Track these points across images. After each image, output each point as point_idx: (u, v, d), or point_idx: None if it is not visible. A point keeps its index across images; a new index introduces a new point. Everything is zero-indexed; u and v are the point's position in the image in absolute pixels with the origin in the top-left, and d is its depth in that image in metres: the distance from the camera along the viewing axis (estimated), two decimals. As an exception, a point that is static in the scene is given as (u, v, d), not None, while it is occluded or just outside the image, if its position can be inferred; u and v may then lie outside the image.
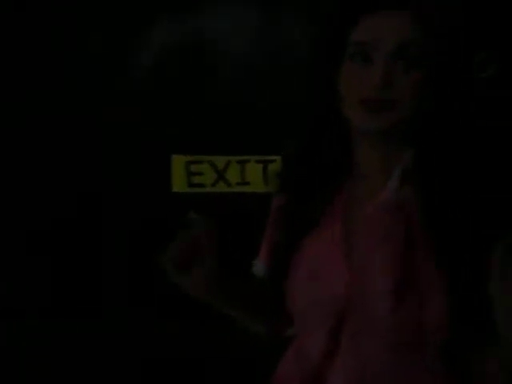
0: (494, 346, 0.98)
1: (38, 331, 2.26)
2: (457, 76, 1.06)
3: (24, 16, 2.20)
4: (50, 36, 2.21)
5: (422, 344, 1.03)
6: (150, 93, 2.26)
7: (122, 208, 2.29)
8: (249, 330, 1.29)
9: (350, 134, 1.10)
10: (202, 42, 2.23)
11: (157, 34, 2.22)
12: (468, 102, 1.08)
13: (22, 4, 2.19)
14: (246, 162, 2.24)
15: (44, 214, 2.27)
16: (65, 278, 2.29)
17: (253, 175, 2.24)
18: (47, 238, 2.28)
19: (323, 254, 1.10)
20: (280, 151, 1.78)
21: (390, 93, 1.00)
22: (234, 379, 2.21)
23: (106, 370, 2.27)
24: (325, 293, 1.07)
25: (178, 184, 2.27)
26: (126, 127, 2.26)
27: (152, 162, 2.27)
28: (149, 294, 2.26)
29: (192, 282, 1.10)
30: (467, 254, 0.98)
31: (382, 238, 1.04)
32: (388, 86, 1.00)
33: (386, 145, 1.08)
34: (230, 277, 1.14)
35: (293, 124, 1.18)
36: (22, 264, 2.31)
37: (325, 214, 1.11)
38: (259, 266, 1.28)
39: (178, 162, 2.26)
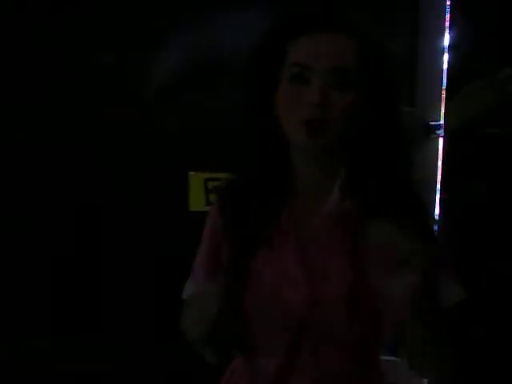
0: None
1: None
2: (388, 99, 1.08)
3: (34, 41, 2.32)
4: (59, 50, 2.29)
5: (374, 345, 1.15)
6: (167, 109, 2.23)
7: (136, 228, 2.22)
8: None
9: (289, 151, 1.13)
10: (220, 58, 2.19)
11: (171, 50, 2.22)
12: (397, 121, 1.10)
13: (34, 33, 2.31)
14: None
15: (56, 237, 2.27)
16: (77, 298, 2.24)
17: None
18: (62, 261, 2.26)
19: (280, 271, 1.11)
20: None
21: (328, 112, 1.03)
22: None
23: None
24: (284, 308, 1.09)
25: (196, 202, 2.16)
26: (141, 145, 2.23)
27: (169, 179, 2.20)
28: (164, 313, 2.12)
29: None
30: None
31: (332, 249, 1.09)
32: (325, 105, 1.03)
33: (324, 161, 1.12)
34: None
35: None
36: (27, 286, 2.30)
37: (274, 232, 1.13)
38: (193, 289, 1.24)
39: (196, 179, 2.16)
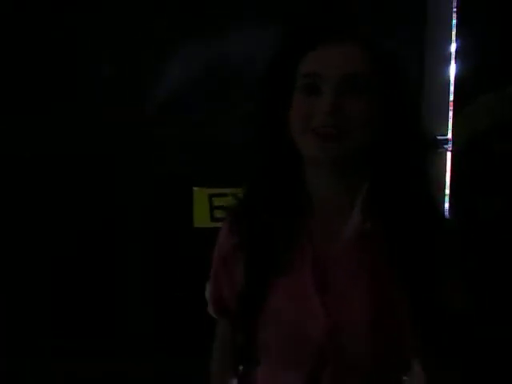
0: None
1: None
2: (404, 106, 1.05)
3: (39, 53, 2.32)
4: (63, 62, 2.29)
5: (396, 371, 1.09)
6: (171, 123, 2.21)
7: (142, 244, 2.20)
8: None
9: (304, 167, 1.08)
10: (227, 72, 2.18)
11: (177, 63, 2.21)
12: (417, 130, 1.07)
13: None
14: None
15: (63, 252, 2.25)
16: (83, 315, 2.21)
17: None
18: (67, 275, 2.24)
19: (298, 298, 1.06)
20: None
21: (340, 120, 0.99)
22: None
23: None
24: (303, 337, 1.04)
25: (200, 219, 2.14)
26: (146, 160, 2.21)
27: (173, 195, 2.18)
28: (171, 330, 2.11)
29: None
30: (431, 279, 1.02)
31: (353, 274, 1.04)
32: (338, 113, 0.99)
33: (340, 175, 1.06)
34: None
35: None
36: (34, 301, 2.28)
37: (292, 252, 1.07)
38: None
39: (200, 194, 2.14)
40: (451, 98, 1.95)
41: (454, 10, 1.94)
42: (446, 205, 1.91)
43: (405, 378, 1.12)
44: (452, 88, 1.93)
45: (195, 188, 2.15)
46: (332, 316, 1.03)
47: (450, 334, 1.06)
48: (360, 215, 1.05)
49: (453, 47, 1.95)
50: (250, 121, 1.13)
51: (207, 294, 1.24)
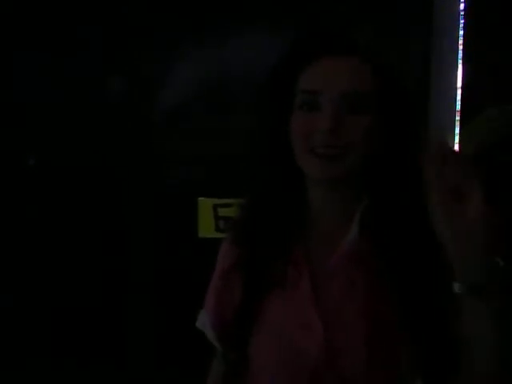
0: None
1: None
2: (405, 124, 1.03)
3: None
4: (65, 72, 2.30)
5: None
6: (177, 136, 2.21)
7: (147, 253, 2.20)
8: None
9: (304, 183, 1.07)
10: (232, 83, 2.18)
11: (183, 75, 2.21)
12: (417, 149, 1.00)
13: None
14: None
15: (70, 262, 2.25)
16: (88, 325, 2.21)
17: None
18: (72, 284, 2.23)
19: (294, 313, 1.04)
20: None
21: (340, 138, 0.97)
22: None
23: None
24: (299, 352, 1.02)
25: (205, 229, 2.13)
26: (151, 170, 2.21)
27: (179, 205, 2.17)
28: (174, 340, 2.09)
29: None
30: (425, 298, 0.98)
31: (347, 290, 1.02)
32: (337, 131, 0.97)
33: (340, 193, 1.05)
34: None
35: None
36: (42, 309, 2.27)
37: (289, 267, 1.06)
38: (204, 320, 1.18)
39: (205, 205, 2.14)
40: (458, 108, 1.93)
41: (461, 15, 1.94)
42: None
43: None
44: (459, 99, 1.91)
45: (200, 198, 2.15)
46: (328, 330, 1.01)
47: (449, 352, 1.00)
48: (357, 231, 1.03)
49: (460, 57, 1.93)
50: (251, 135, 1.11)
51: (201, 323, 1.19)
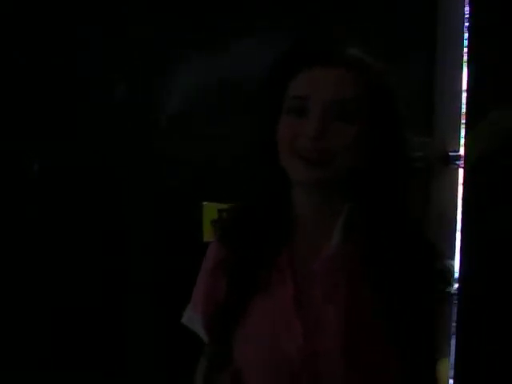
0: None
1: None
2: (391, 133, 1.05)
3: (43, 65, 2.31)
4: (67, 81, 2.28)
5: None
6: (180, 138, 2.20)
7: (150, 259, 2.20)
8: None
9: (290, 186, 1.10)
10: (235, 86, 2.15)
11: (185, 78, 2.19)
12: (403, 156, 1.07)
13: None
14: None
15: (72, 267, 2.26)
16: (89, 323, 2.21)
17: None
18: (74, 289, 2.24)
19: (276, 315, 1.07)
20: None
21: (325, 145, 1.00)
22: None
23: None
24: (279, 354, 1.04)
25: (210, 233, 2.12)
26: (155, 174, 2.20)
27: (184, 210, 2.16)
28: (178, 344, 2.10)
29: None
30: (409, 304, 1.01)
31: (330, 295, 1.04)
32: (323, 138, 1.00)
33: (325, 197, 1.08)
34: None
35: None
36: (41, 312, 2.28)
37: (273, 270, 1.09)
38: (191, 316, 1.23)
39: (210, 209, 2.13)
40: (463, 112, 1.91)
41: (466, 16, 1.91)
42: (458, 222, 1.88)
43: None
44: (464, 103, 1.89)
45: (205, 203, 2.14)
46: (308, 337, 1.03)
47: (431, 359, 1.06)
48: (340, 235, 1.06)
49: (465, 60, 1.91)
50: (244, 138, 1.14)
51: (186, 318, 1.24)
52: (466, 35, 1.86)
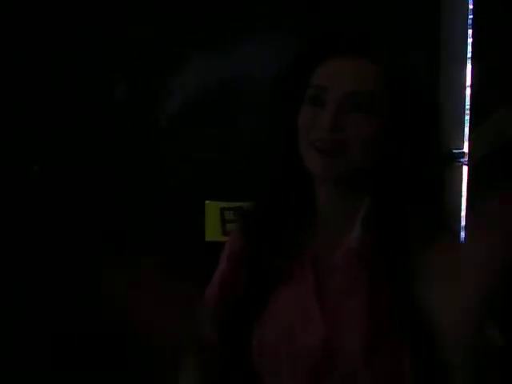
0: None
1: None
2: (412, 125, 1.02)
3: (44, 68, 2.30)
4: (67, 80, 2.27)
5: None
6: (183, 137, 2.19)
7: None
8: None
9: (312, 179, 1.07)
10: (238, 85, 2.15)
11: (189, 77, 2.18)
12: (424, 149, 1.04)
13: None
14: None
15: (74, 266, 2.23)
16: (90, 330, 2.20)
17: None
18: (76, 288, 2.22)
19: (297, 308, 1.06)
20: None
21: (341, 136, 0.98)
22: None
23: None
24: (300, 347, 1.03)
25: (212, 232, 2.12)
26: (157, 173, 2.19)
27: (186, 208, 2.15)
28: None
29: None
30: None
31: (349, 290, 1.02)
32: (338, 129, 0.98)
33: (345, 190, 1.06)
34: None
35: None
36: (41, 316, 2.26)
37: (294, 263, 1.07)
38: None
39: (212, 208, 2.12)
40: (467, 110, 1.90)
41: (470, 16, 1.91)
42: (463, 219, 1.87)
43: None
44: (468, 100, 1.89)
45: (207, 201, 2.13)
46: (329, 326, 1.02)
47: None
48: (360, 228, 1.04)
49: (469, 58, 1.91)
50: (262, 132, 1.13)
51: None
52: (470, 32, 1.86)
